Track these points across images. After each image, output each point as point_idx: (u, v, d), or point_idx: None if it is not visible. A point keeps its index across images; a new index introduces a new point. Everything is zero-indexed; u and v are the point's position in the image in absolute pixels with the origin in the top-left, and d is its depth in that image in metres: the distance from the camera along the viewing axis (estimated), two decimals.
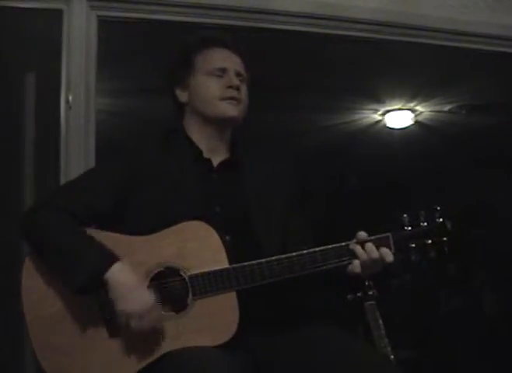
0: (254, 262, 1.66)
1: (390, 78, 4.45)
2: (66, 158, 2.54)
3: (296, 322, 1.75)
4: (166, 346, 1.61)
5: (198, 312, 1.63)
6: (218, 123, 1.83)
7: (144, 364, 1.60)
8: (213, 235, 1.67)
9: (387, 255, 1.69)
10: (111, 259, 1.61)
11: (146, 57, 3.66)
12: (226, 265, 1.66)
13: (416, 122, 5.45)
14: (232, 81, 1.81)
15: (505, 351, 4.30)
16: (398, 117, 5.36)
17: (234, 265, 1.66)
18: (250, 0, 2.80)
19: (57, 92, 2.58)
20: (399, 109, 5.25)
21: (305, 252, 1.68)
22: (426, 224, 1.73)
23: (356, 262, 1.69)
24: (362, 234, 1.71)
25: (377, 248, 1.69)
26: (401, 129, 5.52)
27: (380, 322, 2.32)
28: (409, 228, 1.73)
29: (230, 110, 1.81)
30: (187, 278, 1.65)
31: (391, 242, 1.71)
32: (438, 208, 1.75)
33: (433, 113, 5.34)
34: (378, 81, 4.53)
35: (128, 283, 1.60)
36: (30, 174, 3.00)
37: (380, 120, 5.47)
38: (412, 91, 4.86)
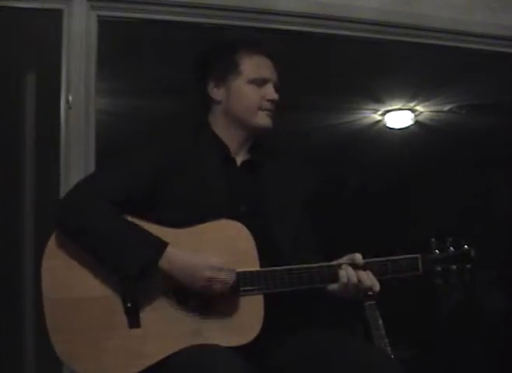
0: (285, 267, 1.69)
1: (390, 78, 4.45)
2: (66, 158, 2.54)
3: (307, 327, 1.78)
4: (186, 341, 1.61)
5: (224, 311, 1.64)
6: (251, 131, 1.86)
7: (159, 358, 1.60)
8: (248, 237, 1.68)
9: (375, 285, 1.73)
10: (162, 245, 1.62)
11: (146, 57, 3.66)
12: (256, 268, 1.67)
13: (416, 122, 5.45)
14: (273, 96, 1.85)
15: (505, 351, 4.30)
16: (398, 117, 5.36)
17: (265, 268, 1.67)
18: (250, 0, 2.80)
19: (57, 92, 2.58)
20: (399, 109, 5.25)
21: (324, 264, 1.73)
22: (452, 249, 1.79)
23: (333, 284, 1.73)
24: (358, 257, 1.74)
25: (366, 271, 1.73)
26: (401, 129, 5.52)
27: (380, 322, 2.32)
28: (437, 251, 1.79)
29: (267, 122, 1.85)
30: None
31: (420, 263, 1.76)
32: (464, 237, 1.81)
33: (433, 113, 5.34)
34: (378, 81, 4.52)
35: (187, 261, 1.62)
36: (30, 174, 3.01)
37: (380, 120, 5.47)
38: (412, 91, 4.85)
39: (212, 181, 1.77)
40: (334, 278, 1.72)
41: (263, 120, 1.84)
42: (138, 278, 1.62)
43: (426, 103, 5.14)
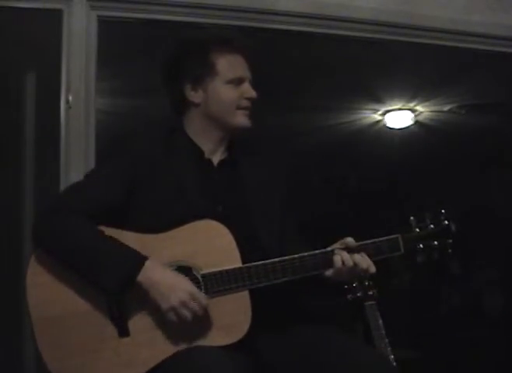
0: (267, 261, 1.68)
1: (390, 78, 4.45)
2: (66, 158, 2.54)
3: (298, 323, 1.76)
4: (176, 345, 1.61)
5: (210, 311, 1.63)
6: (229, 130, 1.85)
7: (153, 363, 1.60)
8: (227, 234, 1.67)
9: (370, 266, 1.73)
10: (141, 259, 1.61)
11: (146, 57, 3.66)
12: (239, 264, 1.66)
13: (416, 122, 5.45)
14: (250, 93, 1.83)
15: (505, 351, 4.30)
16: (398, 117, 5.36)
17: (247, 264, 1.67)
18: (250, 0, 2.80)
19: (57, 92, 2.58)
20: (399, 109, 5.25)
21: (317, 252, 1.72)
22: (432, 226, 1.79)
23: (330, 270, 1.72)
24: (350, 241, 1.75)
25: (360, 253, 1.73)
26: (401, 129, 5.52)
27: (380, 322, 2.32)
28: (417, 229, 1.79)
29: (246, 121, 1.84)
30: (199, 277, 1.65)
31: (401, 243, 1.76)
32: (443, 211, 1.81)
33: (433, 113, 5.34)
34: (378, 81, 4.52)
35: (165, 279, 1.61)
36: (30, 174, 3.00)
37: (380, 120, 5.46)
38: (412, 91, 4.85)
39: (187, 184, 1.76)
40: (329, 264, 1.72)
41: (242, 120, 1.83)
42: (118, 292, 1.61)
43: (426, 103, 5.14)
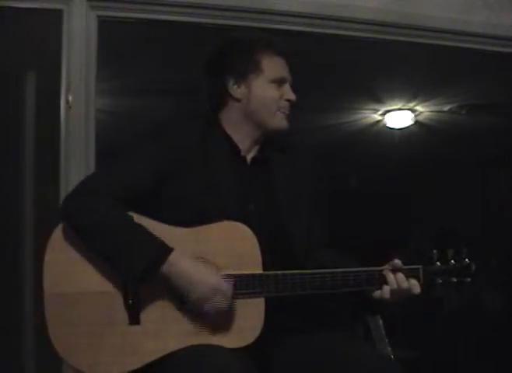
0: (287, 272, 1.67)
1: (390, 78, 4.45)
2: (66, 158, 2.54)
3: (308, 329, 1.76)
4: (185, 340, 1.60)
5: (223, 313, 1.62)
6: (267, 131, 1.85)
7: (158, 355, 1.60)
8: (252, 238, 1.67)
9: (415, 286, 1.74)
10: (167, 250, 1.61)
11: (146, 57, 3.66)
12: (259, 270, 1.66)
13: (416, 122, 5.45)
14: (292, 96, 1.84)
15: (505, 351, 4.30)
16: (398, 117, 5.37)
17: (268, 272, 1.66)
18: (250, 0, 2.80)
19: (57, 92, 2.58)
20: (399, 109, 5.26)
21: (339, 271, 1.72)
22: (453, 262, 1.80)
23: (386, 288, 1.73)
24: (398, 263, 1.75)
25: (407, 278, 1.74)
26: (401, 129, 5.53)
27: (380, 322, 2.32)
28: (438, 263, 1.80)
29: (284, 124, 1.84)
30: None
31: (421, 274, 1.77)
32: (465, 249, 1.81)
33: (433, 113, 5.35)
34: (378, 81, 4.53)
35: (188, 272, 1.60)
36: (30, 174, 3.01)
37: (380, 120, 5.47)
38: (412, 91, 4.86)
39: (220, 180, 1.76)
40: (381, 283, 1.74)
41: (281, 122, 1.83)
42: (140, 279, 1.61)
43: (426, 103, 5.14)
